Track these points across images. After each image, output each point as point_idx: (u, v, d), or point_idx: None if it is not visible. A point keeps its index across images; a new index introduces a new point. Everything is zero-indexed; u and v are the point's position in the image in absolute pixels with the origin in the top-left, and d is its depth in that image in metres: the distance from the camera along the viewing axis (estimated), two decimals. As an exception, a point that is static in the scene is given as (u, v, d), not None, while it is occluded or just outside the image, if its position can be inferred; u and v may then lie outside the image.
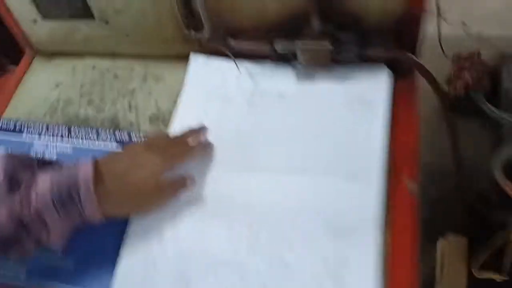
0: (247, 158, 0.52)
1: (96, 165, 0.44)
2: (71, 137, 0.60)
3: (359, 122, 0.50)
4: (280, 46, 0.52)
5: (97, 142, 0.59)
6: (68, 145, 0.59)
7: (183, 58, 0.62)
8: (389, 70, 0.52)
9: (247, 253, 0.46)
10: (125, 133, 0.58)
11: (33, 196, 0.41)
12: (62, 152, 0.59)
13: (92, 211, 0.43)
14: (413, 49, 0.50)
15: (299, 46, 0.49)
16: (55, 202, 0.41)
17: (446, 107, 0.51)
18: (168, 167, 0.48)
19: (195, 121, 0.55)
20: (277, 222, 0.47)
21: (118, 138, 0.58)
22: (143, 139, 0.54)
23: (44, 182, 0.42)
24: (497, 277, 0.66)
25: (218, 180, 0.51)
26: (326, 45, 0.48)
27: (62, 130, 0.60)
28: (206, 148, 0.53)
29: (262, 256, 0.46)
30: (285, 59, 0.54)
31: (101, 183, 0.44)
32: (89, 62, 0.66)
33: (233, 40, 0.55)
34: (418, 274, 0.43)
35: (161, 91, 0.61)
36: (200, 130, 0.53)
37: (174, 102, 0.59)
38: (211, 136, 0.53)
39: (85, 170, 0.43)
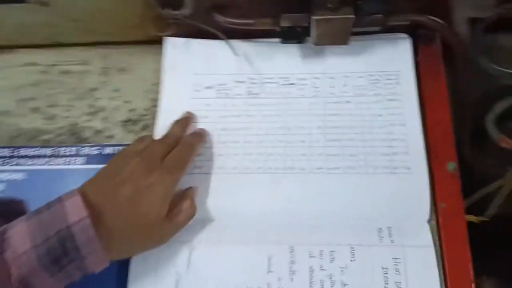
0: (257, 161, 0.43)
1: (86, 197, 0.33)
2: (19, 157, 0.46)
3: (389, 105, 0.43)
4: (288, 20, 0.42)
5: (56, 160, 0.46)
6: (17, 168, 0.45)
7: (153, 44, 0.50)
8: (411, 39, 0.46)
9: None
10: (93, 146, 0.46)
11: (10, 260, 0.29)
12: (11, 179, 0.45)
13: (97, 262, 0.32)
14: (434, 12, 0.44)
15: (314, 18, 0.40)
16: (43, 262, 0.30)
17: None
18: (177, 182, 0.38)
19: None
20: (313, 233, 0.39)
21: (83, 152, 0.46)
22: (122, 148, 0.42)
23: (20, 237, 0.30)
24: (476, 219, 0.66)
25: (223, 193, 0.42)
26: (349, 12, 0.40)
27: (4, 151, 0.46)
28: (204, 137, 0.43)
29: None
30: (291, 37, 0.44)
31: (101, 222, 0.33)
32: (25, 57, 0.51)
33: (221, 16, 0.44)
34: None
35: (130, 86, 0.49)
36: (188, 119, 0.44)
37: (151, 99, 0.48)
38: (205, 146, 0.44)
39: (75, 208, 0.31)
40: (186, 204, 0.39)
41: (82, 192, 0.33)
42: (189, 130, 0.44)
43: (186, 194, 0.40)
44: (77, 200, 0.32)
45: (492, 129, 0.60)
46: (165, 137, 0.42)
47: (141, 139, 0.41)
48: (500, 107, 0.61)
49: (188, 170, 0.40)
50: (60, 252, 0.30)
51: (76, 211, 0.31)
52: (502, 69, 0.55)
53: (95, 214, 0.32)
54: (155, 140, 0.41)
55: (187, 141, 0.42)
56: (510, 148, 0.59)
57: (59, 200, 0.32)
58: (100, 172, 0.37)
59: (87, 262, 0.32)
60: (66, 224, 0.31)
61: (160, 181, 0.36)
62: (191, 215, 0.39)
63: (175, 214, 0.38)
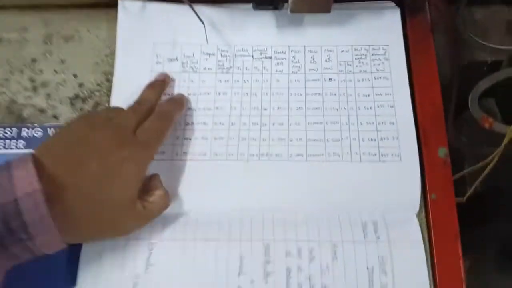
0: (228, 147, 0.37)
1: (41, 166, 0.28)
2: None
3: (377, 83, 0.38)
4: (263, -19, 0.36)
5: (-9, 144, 0.39)
6: None
7: (105, 8, 0.43)
8: (397, 8, 0.41)
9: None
10: (35, 127, 0.39)
11: None
12: None
13: (48, 243, 0.27)
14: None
15: (294, -21, 0.35)
16: None
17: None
18: (151, 158, 0.33)
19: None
20: (290, 229, 0.35)
21: (23, 134, 0.39)
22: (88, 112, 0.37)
23: None
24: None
25: (188, 183, 0.36)
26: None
27: None
28: (183, 104, 0.38)
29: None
30: (265, 2, 0.38)
31: (58, 199, 0.28)
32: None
33: (185, -25, 0.38)
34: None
35: (78, 57, 0.42)
36: (163, 82, 0.39)
37: (104, 73, 0.41)
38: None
39: (25, 179, 0.26)
40: (159, 193, 0.34)
41: (37, 159, 0.28)
42: (165, 96, 0.39)
43: (155, 180, 0.35)
44: (29, 168, 0.26)
45: (475, 109, 0.59)
46: (137, 103, 0.36)
47: (108, 108, 0.36)
48: (483, 85, 0.58)
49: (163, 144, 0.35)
50: (2, 229, 0.25)
51: (26, 182, 0.26)
52: (486, 43, 0.52)
53: (50, 188, 0.27)
54: (125, 109, 0.35)
55: (163, 109, 0.36)
56: (490, 128, 0.57)
57: (7, 167, 0.26)
58: (59, 136, 0.32)
59: (37, 243, 0.26)
60: (12, 197, 0.25)
61: (133, 157, 0.31)
62: (165, 206, 0.34)
63: (150, 202, 0.33)
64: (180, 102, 0.38)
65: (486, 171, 0.58)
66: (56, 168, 0.29)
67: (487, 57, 0.56)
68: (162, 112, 0.35)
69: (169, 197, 0.34)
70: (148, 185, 0.34)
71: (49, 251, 0.28)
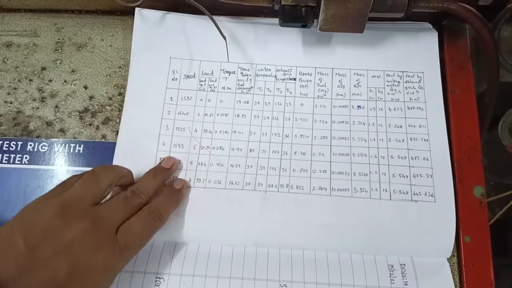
0: (245, 175, 0.34)
1: None
2: None
3: (410, 114, 0.35)
4: (291, -3, 0.33)
5: (-7, 157, 0.37)
6: None
7: (121, 15, 0.41)
8: (435, 31, 0.37)
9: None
10: (41, 141, 0.37)
11: None
12: None
13: None
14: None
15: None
16: None
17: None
18: (127, 262, 0.29)
19: (155, 114, 0.36)
20: (309, 270, 0.32)
21: (28, 148, 0.37)
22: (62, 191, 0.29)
23: None
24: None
25: (200, 213, 0.34)
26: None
27: None
28: (179, 201, 0.33)
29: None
30: (293, 18, 0.35)
31: None
32: (-43, 22, 0.41)
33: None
34: None
35: (90, 68, 0.39)
36: (167, 171, 0.34)
37: (116, 86, 0.39)
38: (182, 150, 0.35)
39: None
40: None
41: None
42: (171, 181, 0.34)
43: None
44: None
45: (505, 135, 0.56)
46: (131, 192, 0.30)
47: (92, 178, 0.29)
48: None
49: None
50: None
51: None
52: None
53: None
54: (113, 197, 0.30)
55: (156, 205, 0.31)
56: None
57: None
58: (18, 222, 0.26)
59: None
60: None
61: (105, 266, 0.26)
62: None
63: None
64: (176, 200, 0.33)
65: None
66: (7, 264, 0.24)
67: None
68: (153, 209, 0.30)
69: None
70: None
71: None
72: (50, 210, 0.26)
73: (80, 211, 0.27)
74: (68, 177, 0.30)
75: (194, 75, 0.37)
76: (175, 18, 0.38)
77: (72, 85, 0.39)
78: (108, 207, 0.28)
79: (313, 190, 0.33)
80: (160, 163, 0.34)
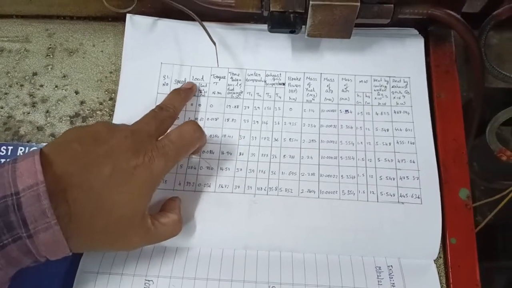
0: (235, 179, 0.35)
1: (48, 159, 0.26)
2: None
3: (397, 118, 0.36)
4: (279, 3, 0.34)
5: (-17, 162, 0.37)
6: None
7: (112, 21, 0.41)
8: (421, 37, 0.38)
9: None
10: (31, 146, 0.37)
11: None
12: None
13: (50, 244, 0.25)
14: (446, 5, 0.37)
15: (313, 2, 0.32)
16: None
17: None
18: (168, 170, 0.31)
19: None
20: (298, 271, 0.32)
21: (21, 153, 0.37)
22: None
23: None
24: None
25: (189, 217, 0.34)
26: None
27: None
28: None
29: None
30: (282, 24, 0.36)
31: (62, 196, 0.26)
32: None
33: (197, -7, 0.36)
34: None
35: (81, 73, 0.40)
36: (190, 91, 0.37)
37: (107, 91, 0.39)
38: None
39: (29, 171, 0.25)
40: (173, 217, 0.32)
41: (45, 154, 0.26)
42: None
43: (174, 203, 0.33)
44: (34, 161, 0.25)
45: (492, 140, 0.56)
46: (159, 108, 0.34)
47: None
48: (502, 116, 0.56)
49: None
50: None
51: (29, 175, 0.24)
52: (500, 70, 0.50)
53: (56, 185, 0.25)
54: (146, 114, 0.33)
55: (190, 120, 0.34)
56: (507, 161, 0.54)
57: (13, 159, 0.26)
58: (73, 134, 0.29)
59: (37, 243, 0.24)
60: (14, 189, 0.24)
61: (148, 165, 0.29)
62: (175, 232, 0.32)
63: (162, 224, 0.31)
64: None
65: (501, 205, 0.56)
66: (65, 166, 0.26)
67: (501, 84, 0.54)
68: (190, 121, 0.33)
69: (181, 225, 0.32)
70: (165, 206, 0.33)
71: (50, 255, 0.26)
72: (98, 125, 0.30)
73: (121, 126, 0.31)
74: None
75: (185, 80, 0.38)
76: (166, 24, 0.39)
77: (63, 90, 0.39)
78: (142, 120, 0.32)
79: (301, 192, 0.34)
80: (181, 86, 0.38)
